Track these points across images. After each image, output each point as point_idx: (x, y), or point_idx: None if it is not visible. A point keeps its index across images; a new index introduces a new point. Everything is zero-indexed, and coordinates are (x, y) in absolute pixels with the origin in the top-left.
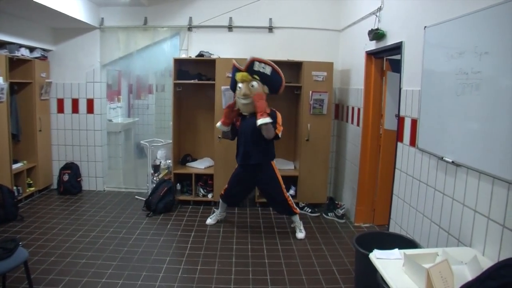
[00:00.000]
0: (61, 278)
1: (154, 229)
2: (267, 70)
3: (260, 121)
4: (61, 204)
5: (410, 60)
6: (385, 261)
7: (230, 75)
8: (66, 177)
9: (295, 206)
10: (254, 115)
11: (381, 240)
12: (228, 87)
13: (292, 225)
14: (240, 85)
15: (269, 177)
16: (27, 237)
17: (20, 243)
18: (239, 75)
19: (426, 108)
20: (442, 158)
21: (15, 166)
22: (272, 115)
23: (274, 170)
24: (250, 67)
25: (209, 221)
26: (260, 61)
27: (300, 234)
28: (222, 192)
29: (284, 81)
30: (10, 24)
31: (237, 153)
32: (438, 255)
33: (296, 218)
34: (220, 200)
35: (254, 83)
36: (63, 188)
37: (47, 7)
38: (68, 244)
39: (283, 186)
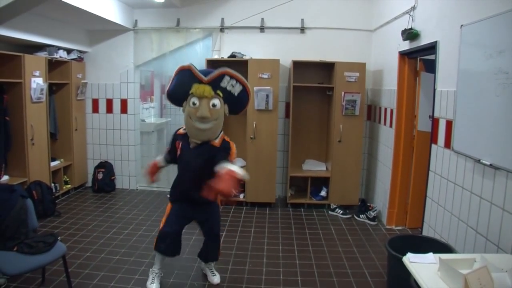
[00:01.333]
0: (96, 273)
1: (185, 228)
2: (236, 89)
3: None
4: (95, 201)
5: (445, 60)
6: (419, 265)
7: (173, 79)
8: (100, 176)
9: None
10: (202, 146)
11: (414, 243)
12: (261, 88)
13: (204, 269)
14: (195, 100)
15: (212, 213)
16: (64, 232)
17: (59, 238)
18: (198, 88)
19: (462, 109)
20: (479, 160)
21: (53, 164)
22: (226, 147)
23: (218, 203)
24: (216, 80)
25: (152, 286)
26: (232, 76)
27: (216, 278)
28: (155, 241)
29: (249, 101)
30: (49, 27)
31: (174, 184)
32: (475, 261)
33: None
34: (156, 253)
35: (216, 102)
36: (97, 186)
37: (84, 10)
38: (103, 240)
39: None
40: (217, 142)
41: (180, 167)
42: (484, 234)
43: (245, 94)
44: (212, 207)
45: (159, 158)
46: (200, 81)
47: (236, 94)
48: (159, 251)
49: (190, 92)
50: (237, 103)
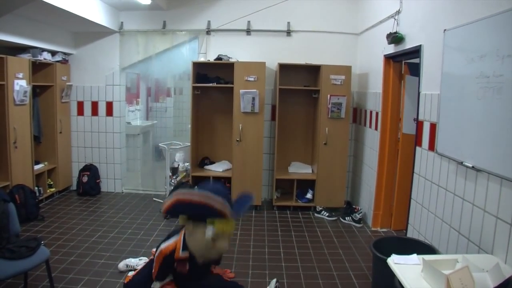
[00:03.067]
0: (81, 277)
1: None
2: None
3: None
4: (80, 205)
5: (429, 63)
6: (403, 266)
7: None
8: (85, 179)
9: None
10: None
11: (399, 245)
12: (247, 91)
13: None
14: (215, 231)
15: None
16: (48, 237)
17: (42, 242)
18: (225, 227)
19: (445, 112)
20: (462, 163)
21: (36, 167)
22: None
23: None
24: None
25: None
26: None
27: None
28: None
29: None
30: (33, 28)
31: None
32: (458, 261)
33: None
34: None
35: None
36: (82, 189)
37: (69, 12)
38: (87, 244)
39: None
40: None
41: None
42: (466, 235)
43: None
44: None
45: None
46: (221, 215)
47: None
48: None
49: (208, 220)
50: None
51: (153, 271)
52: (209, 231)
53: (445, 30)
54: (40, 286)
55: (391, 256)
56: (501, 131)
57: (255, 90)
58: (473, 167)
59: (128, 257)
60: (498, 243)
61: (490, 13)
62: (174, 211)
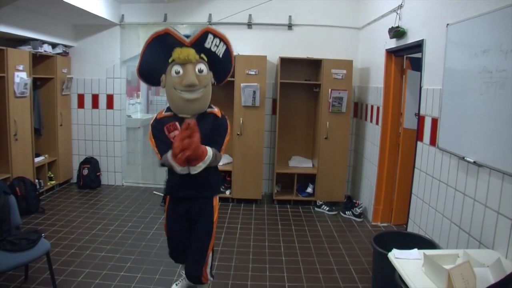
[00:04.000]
0: (81, 270)
1: None
2: (220, 50)
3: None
4: (80, 197)
5: (431, 58)
6: (404, 261)
7: (144, 51)
8: (85, 172)
9: (208, 273)
10: (201, 116)
11: (399, 240)
12: (248, 84)
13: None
14: (178, 68)
15: (205, 216)
16: (48, 229)
17: (43, 235)
18: (182, 53)
19: (447, 107)
20: (464, 158)
21: (37, 159)
22: (223, 124)
23: (214, 208)
24: (199, 42)
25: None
26: (216, 34)
27: None
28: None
29: (233, 65)
30: (34, 21)
31: (170, 178)
32: (458, 256)
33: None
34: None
35: (203, 67)
36: (83, 182)
37: (69, 4)
38: (88, 237)
39: (213, 239)
40: (217, 111)
41: None
42: (467, 230)
43: (228, 55)
44: (206, 209)
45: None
46: (182, 45)
47: (220, 55)
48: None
49: (170, 60)
50: (222, 68)
51: (156, 155)
52: (173, 68)
53: (447, 24)
54: (40, 278)
55: (392, 250)
56: (503, 126)
57: (256, 84)
58: (474, 162)
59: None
60: (499, 238)
61: (494, 7)
62: (143, 68)
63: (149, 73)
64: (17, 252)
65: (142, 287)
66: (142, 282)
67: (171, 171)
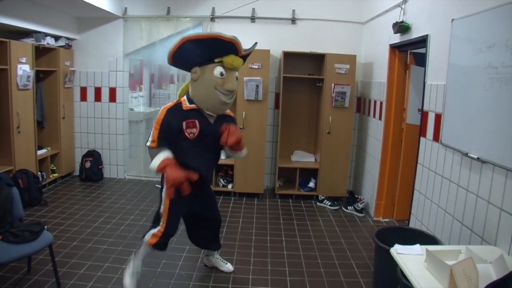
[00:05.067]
0: (83, 262)
1: None
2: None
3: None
4: (83, 190)
5: (435, 53)
6: (406, 256)
7: (194, 37)
8: (88, 164)
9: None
10: (222, 116)
11: (401, 235)
12: (251, 78)
13: (211, 262)
14: (223, 71)
15: (211, 196)
16: (51, 222)
17: (45, 227)
18: (235, 60)
19: (451, 103)
20: (467, 154)
21: (39, 152)
22: (235, 123)
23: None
24: (247, 56)
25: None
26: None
27: (230, 265)
28: (156, 239)
29: None
30: (37, 13)
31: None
32: (461, 252)
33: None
34: (150, 249)
35: (238, 75)
36: (85, 175)
37: None
38: (90, 229)
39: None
40: (229, 112)
41: (199, 148)
42: (469, 226)
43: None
44: (209, 189)
45: (168, 155)
46: (237, 53)
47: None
48: (156, 248)
49: (216, 60)
50: None
51: (151, 139)
52: (218, 68)
53: (453, 20)
54: (43, 270)
55: (394, 246)
56: (508, 123)
57: (259, 78)
58: (478, 158)
59: None
60: (501, 235)
61: (500, 2)
62: (180, 54)
63: (189, 59)
64: (20, 244)
65: (144, 280)
66: (143, 275)
67: (194, 160)
